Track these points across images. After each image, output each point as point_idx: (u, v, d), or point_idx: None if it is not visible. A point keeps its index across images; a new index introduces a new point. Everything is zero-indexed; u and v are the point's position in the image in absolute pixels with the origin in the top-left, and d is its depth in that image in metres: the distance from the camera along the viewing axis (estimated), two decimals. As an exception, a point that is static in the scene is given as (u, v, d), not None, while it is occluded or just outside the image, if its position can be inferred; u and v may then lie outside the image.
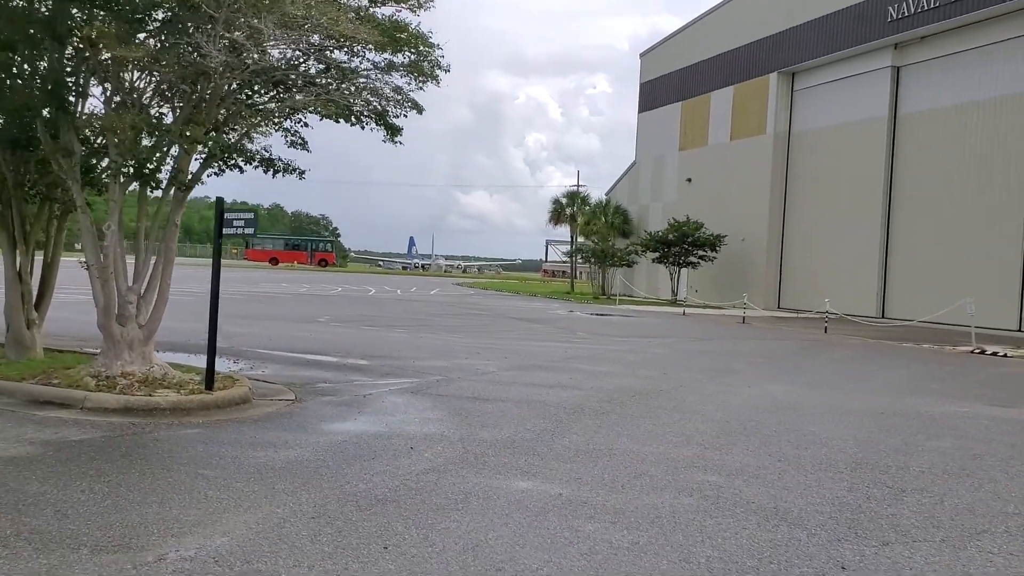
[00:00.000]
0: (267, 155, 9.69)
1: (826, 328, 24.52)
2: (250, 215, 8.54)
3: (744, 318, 28.49)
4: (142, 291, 9.36)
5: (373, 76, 10.21)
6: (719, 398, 10.74)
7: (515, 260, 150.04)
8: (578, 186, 60.57)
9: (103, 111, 9.59)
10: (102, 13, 8.44)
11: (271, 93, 10.02)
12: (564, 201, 56.71)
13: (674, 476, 6.47)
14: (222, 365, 11.53)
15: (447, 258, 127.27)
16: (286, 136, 9.81)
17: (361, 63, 10.18)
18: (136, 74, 9.06)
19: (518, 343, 17.61)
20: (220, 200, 8.69)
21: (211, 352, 8.75)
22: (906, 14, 32.14)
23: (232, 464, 6.33)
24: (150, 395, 8.29)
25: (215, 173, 9.49)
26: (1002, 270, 28.37)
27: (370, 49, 9.86)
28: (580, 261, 53.06)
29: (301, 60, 9.78)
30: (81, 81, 9.01)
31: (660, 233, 41.79)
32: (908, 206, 33.13)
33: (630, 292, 44.48)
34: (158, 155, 8.82)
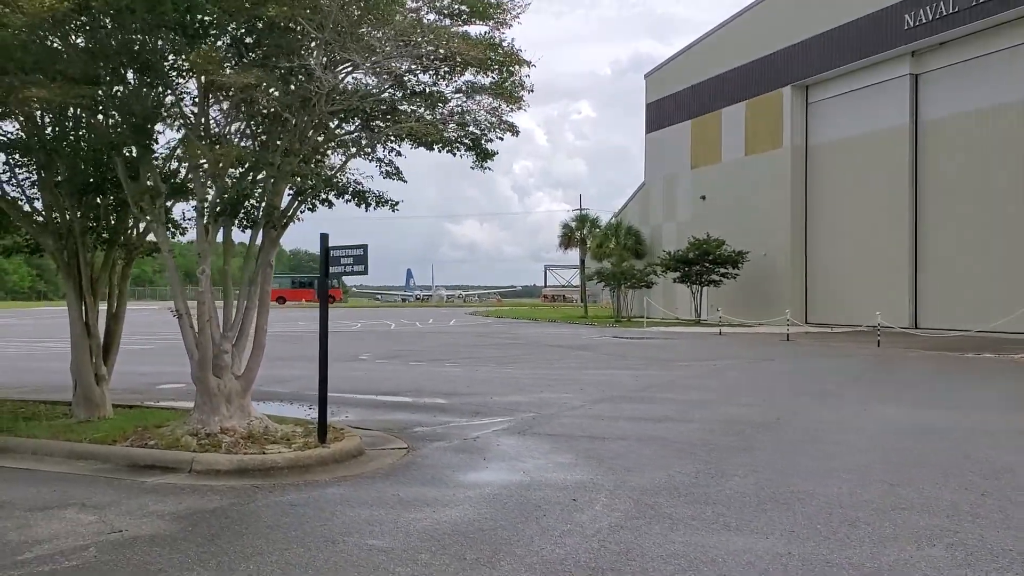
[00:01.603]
0: (360, 187, 9.02)
1: (879, 342, 23.84)
2: (359, 251, 7.83)
3: (788, 335, 27.78)
4: (235, 339, 8.65)
5: (462, 100, 9.61)
6: (846, 425, 10.03)
7: (514, 287, 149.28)
8: (581, 209, 60.57)
9: (179, 147, 8.97)
10: (185, 40, 7.79)
11: (356, 122, 9.39)
12: (573, 225, 56.56)
13: (891, 521, 5.76)
14: (299, 412, 10.83)
15: (446, 288, 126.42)
16: (379, 166, 9.15)
17: (447, 85, 9.58)
18: (220, 103, 8.41)
19: (580, 372, 16.88)
20: (325, 236, 8.00)
21: (322, 401, 8.01)
22: (923, 21, 31.85)
23: (397, 531, 5.60)
24: (263, 453, 7.54)
25: (308, 208, 8.81)
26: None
27: (459, 71, 9.26)
28: (597, 283, 52.20)
29: (386, 87, 9.14)
30: (164, 114, 8.35)
31: (680, 252, 41.15)
32: (936, 213, 32.63)
33: (651, 313, 43.74)
34: (259, 190, 8.12)
